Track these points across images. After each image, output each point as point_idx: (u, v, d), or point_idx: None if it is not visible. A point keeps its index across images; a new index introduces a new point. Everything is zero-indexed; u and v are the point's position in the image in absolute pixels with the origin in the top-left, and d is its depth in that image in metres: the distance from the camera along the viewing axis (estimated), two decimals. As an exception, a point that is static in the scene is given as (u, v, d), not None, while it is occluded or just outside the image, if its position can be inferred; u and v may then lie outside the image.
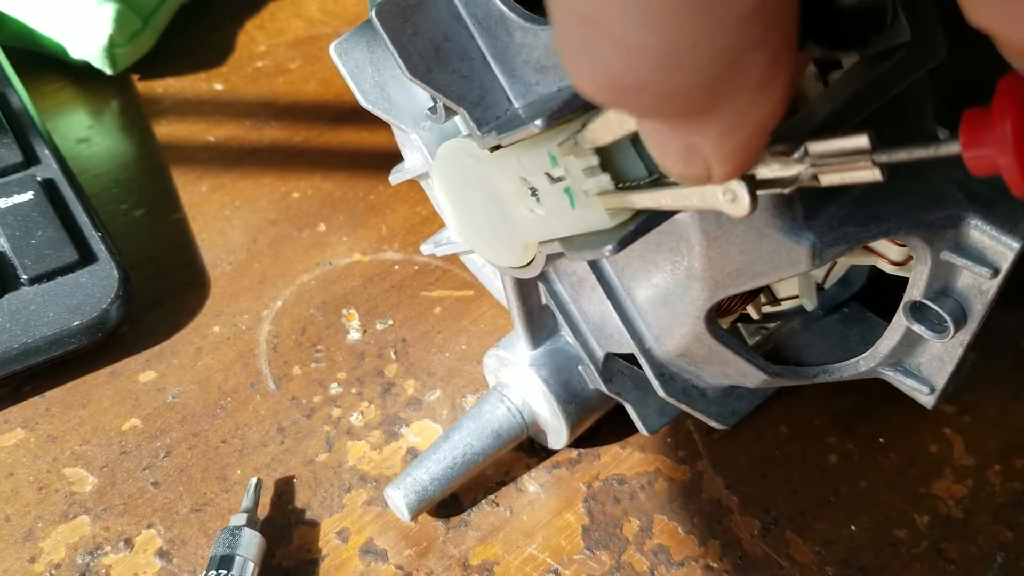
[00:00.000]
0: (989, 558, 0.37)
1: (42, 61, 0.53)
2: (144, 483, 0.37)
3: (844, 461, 0.39)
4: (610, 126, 0.25)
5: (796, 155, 0.22)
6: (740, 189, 0.22)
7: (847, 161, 0.21)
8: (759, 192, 0.23)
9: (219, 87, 0.54)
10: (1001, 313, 0.29)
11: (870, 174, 0.20)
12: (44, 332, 0.39)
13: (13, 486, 0.37)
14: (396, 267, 0.46)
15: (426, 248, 0.42)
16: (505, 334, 0.39)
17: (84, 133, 0.51)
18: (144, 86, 0.54)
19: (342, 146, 0.52)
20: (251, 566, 0.33)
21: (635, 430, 0.37)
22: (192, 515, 0.36)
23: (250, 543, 0.34)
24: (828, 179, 0.22)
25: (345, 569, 0.35)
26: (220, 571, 0.33)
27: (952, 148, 0.19)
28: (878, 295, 0.37)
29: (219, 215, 0.47)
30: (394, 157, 0.41)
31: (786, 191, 0.23)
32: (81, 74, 0.53)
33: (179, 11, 0.57)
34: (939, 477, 0.39)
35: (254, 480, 0.36)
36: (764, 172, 0.23)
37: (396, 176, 0.40)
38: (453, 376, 0.41)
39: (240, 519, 0.34)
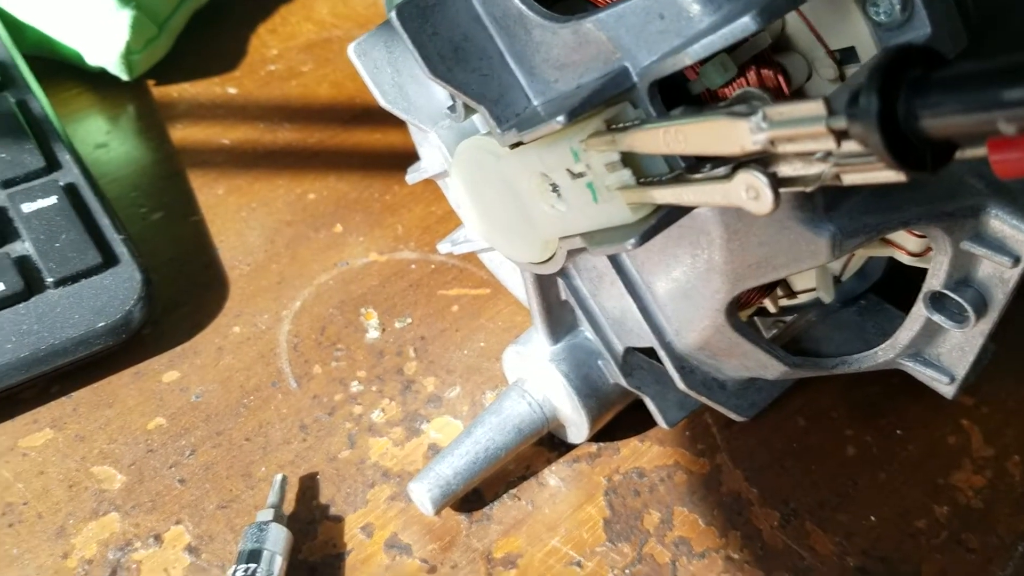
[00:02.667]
0: (1010, 548, 0.37)
1: (60, 68, 0.53)
2: (171, 480, 0.38)
3: (863, 453, 0.40)
4: (656, 143, 0.25)
5: (818, 155, 0.22)
6: (763, 187, 0.23)
7: (868, 161, 0.22)
8: (781, 190, 0.23)
9: (233, 91, 0.55)
10: (1019, 304, 0.30)
11: (893, 175, 0.21)
12: (70, 334, 0.39)
13: (44, 484, 0.37)
14: (413, 266, 0.46)
15: (443, 247, 0.42)
16: (522, 331, 0.39)
17: (102, 138, 0.51)
18: (160, 91, 0.54)
19: (356, 147, 0.52)
20: (279, 560, 0.34)
21: (654, 424, 0.38)
22: (219, 511, 0.37)
23: (277, 537, 0.34)
24: (850, 178, 0.22)
25: (370, 563, 0.36)
26: (249, 565, 0.33)
27: (978, 151, 0.19)
28: (895, 287, 0.37)
29: (236, 217, 0.48)
30: (408, 157, 0.42)
31: (808, 189, 0.23)
32: (98, 80, 0.53)
33: (192, 17, 0.57)
34: (958, 468, 0.39)
35: (279, 476, 0.36)
36: (786, 170, 0.23)
37: (413, 175, 0.40)
38: (472, 373, 0.42)
39: (267, 514, 0.35)
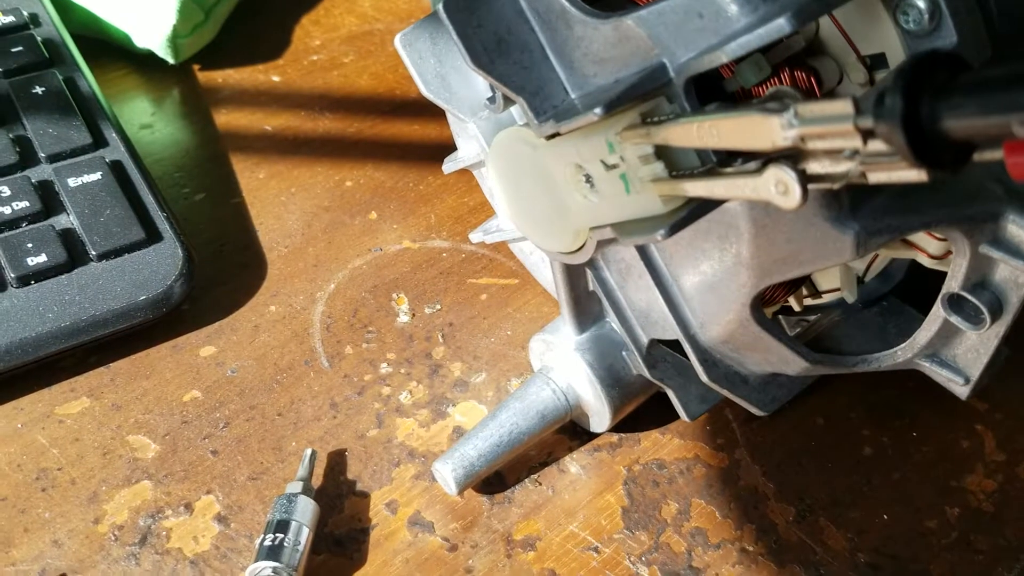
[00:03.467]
0: (1018, 551, 0.38)
1: (108, 49, 0.55)
2: (204, 451, 0.39)
3: (878, 453, 0.40)
4: (689, 137, 0.26)
5: (846, 153, 0.23)
6: (792, 182, 0.24)
7: (893, 160, 0.22)
8: (809, 186, 0.24)
9: (276, 79, 0.56)
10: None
11: (915, 174, 0.22)
12: (111, 306, 0.41)
13: (79, 451, 0.39)
14: (444, 255, 0.47)
15: (475, 236, 0.43)
16: (548, 322, 0.40)
17: (147, 119, 0.52)
18: (204, 76, 0.56)
19: (393, 138, 0.53)
20: (306, 531, 0.35)
21: (675, 416, 0.38)
22: (249, 483, 0.38)
23: (305, 509, 0.35)
24: (876, 177, 0.23)
25: (394, 539, 0.37)
26: (277, 535, 0.34)
27: (995, 153, 0.20)
28: (917, 290, 0.38)
29: (276, 201, 0.49)
30: (443, 148, 0.43)
31: (835, 186, 0.24)
32: (145, 62, 0.55)
33: (239, 5, 0.59)
34: (970, 471, 0.40)
35: (309, 451, 0.38)
36: (815, 167, 0.24)
37: (449, 165, 0.42)
38: (498, 360, 0.43)
39: (296, 487, 0.36)
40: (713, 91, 0.30)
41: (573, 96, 0.31)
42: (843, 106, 0.21)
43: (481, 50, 0.31)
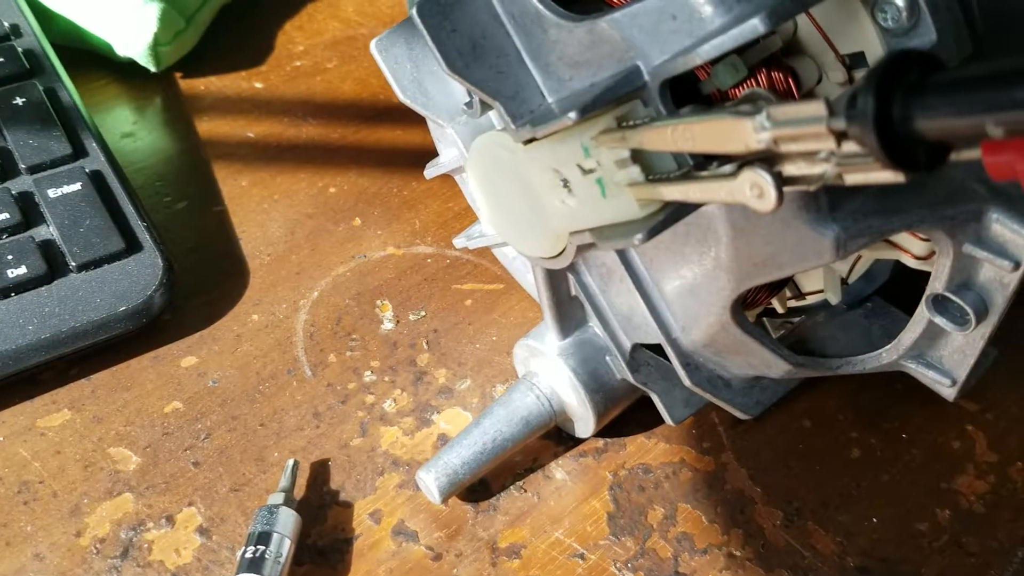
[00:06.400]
0: (1010, 553, 0.37)
1: (89, 58, 0.55)
2: (185, 463, 0.38)
3: (867, 455, 0.40)
4: (664, 141, 0.25)
5: (821, 155, 0.23)
6: (767, 185, 0.23)
7: (868, 161, 0.22)
8: (785, 188, 0.24)
9: (259, 85, 0.56)
10: (1022, 311, 0.30)
11: (891, 175, 0.21)
12: (91, 317, 0.40)
13: (60, 464, 0.38)
14: (428, 260, 0.47)
15: (459, 242, 0.43)
16: (534, 327, 0.40)
17: (129, 128, 0.52)
18: (186, 84, 0.55)
19: (377, 143, 0.53)
20: (288, 543, 0.34)
21: (660, 420, 0.38)
22: (231, 494, 0.38)
23: (287, 521, 0.35)
24: (852, 178, 0.22)
25: (377, 549, 0.36)
26: (258, 547, 0.34)
27: (974, 153, 0.20)
28: (902, 291, 0.37)
29: (258, 208, 0.49)
30: (427, 154, 0.43)
31: (811, 188, 0.23)
32: (126, 71, 0.54)
33: (220, 12, 0.58)
34: (961, 473, 0.40)
35: (291, 461, 0.37)
36: (791, 169, 0.24)
37: (431, 170, 0.41)
38: (483, 366, 0.43)
39: (278, 498, 0.36)
40: (690, 93, 0.29)
41: (550, 100, 0.31)
42: (816, 108, 0.21)
43: (456, 55, 0.30)
